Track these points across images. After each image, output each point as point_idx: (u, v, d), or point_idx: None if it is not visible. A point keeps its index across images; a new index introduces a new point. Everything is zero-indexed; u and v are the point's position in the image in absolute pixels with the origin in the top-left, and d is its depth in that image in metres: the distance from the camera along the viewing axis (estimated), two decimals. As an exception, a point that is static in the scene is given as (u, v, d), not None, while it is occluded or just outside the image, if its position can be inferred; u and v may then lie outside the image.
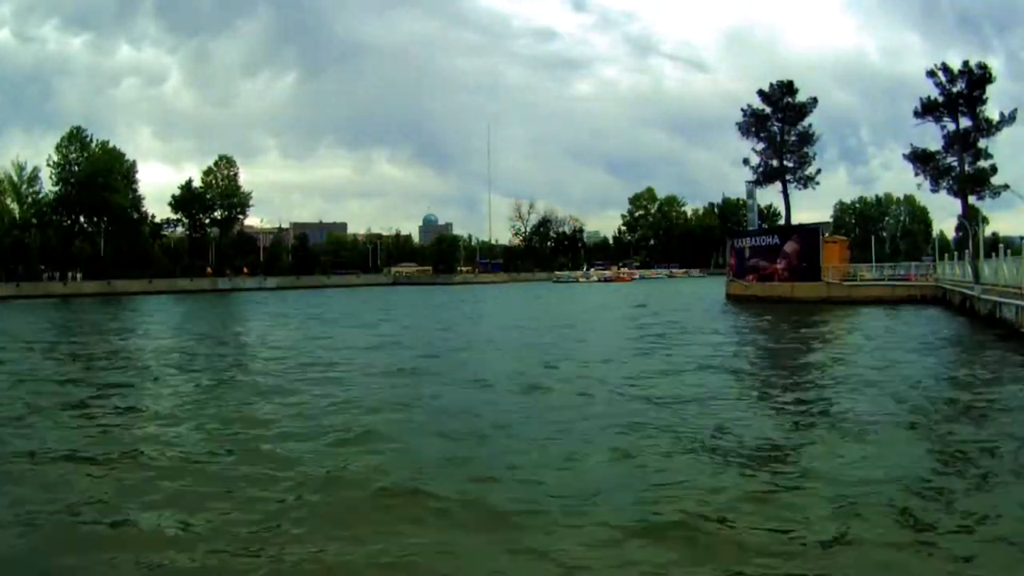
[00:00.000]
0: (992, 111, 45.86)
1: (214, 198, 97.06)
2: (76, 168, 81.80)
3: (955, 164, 46.81)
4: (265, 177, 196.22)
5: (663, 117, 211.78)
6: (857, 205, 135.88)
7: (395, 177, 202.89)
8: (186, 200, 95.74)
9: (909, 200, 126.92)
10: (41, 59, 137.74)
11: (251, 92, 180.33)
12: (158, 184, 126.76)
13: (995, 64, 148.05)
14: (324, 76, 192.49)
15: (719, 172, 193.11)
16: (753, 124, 53.51)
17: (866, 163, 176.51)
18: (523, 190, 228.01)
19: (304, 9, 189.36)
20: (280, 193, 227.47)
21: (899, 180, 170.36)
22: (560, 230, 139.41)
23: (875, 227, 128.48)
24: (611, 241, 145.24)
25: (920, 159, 48.34)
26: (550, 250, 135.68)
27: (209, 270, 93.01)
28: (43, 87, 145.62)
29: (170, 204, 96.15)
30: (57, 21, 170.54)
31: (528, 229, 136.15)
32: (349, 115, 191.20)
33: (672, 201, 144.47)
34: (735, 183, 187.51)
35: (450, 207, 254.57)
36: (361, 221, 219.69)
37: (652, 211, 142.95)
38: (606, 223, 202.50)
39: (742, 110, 54.18)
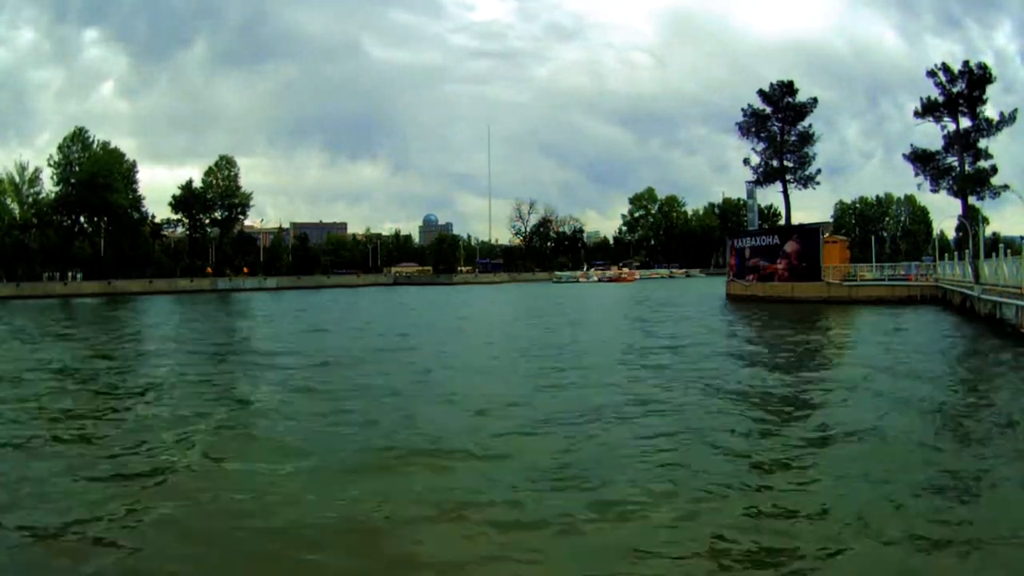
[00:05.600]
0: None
1: (214, 198, 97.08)
2: (77, 168, 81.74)
3: (955, 164, 46.88)
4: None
5: (627, 112, 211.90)
6: (857, 205, 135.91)
7: (370, 177, 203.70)
8: (186, 200, 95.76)
9: (909, 200, 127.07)
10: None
11: (211, 94, 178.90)
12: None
13: (961, 46, 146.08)
14: (271, 73, 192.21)
15: (686, 165, 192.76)
16: (753, 124, 53.61)
17: (846, 160, 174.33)
18: (495, 188, 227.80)
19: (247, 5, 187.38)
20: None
21: (878, 174, 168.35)
22: (560, 230, 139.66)
23: (875, 227, 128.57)
24: (611, 241, 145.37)
25: (920, 159, 48.41)
26: (550, 250, 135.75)
27: (209, 270, 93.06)
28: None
29: (170, 204, 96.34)
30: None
31: (528, 229, 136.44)
32: (294, 114, 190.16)
33: (672, 201, 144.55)
34: (699, 174, 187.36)
35: (417, 205, 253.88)
36: (357, 223, 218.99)
37: (652, 211, 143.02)
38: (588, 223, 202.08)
39: (742, 110, 54.39)
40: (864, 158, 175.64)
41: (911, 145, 49.52)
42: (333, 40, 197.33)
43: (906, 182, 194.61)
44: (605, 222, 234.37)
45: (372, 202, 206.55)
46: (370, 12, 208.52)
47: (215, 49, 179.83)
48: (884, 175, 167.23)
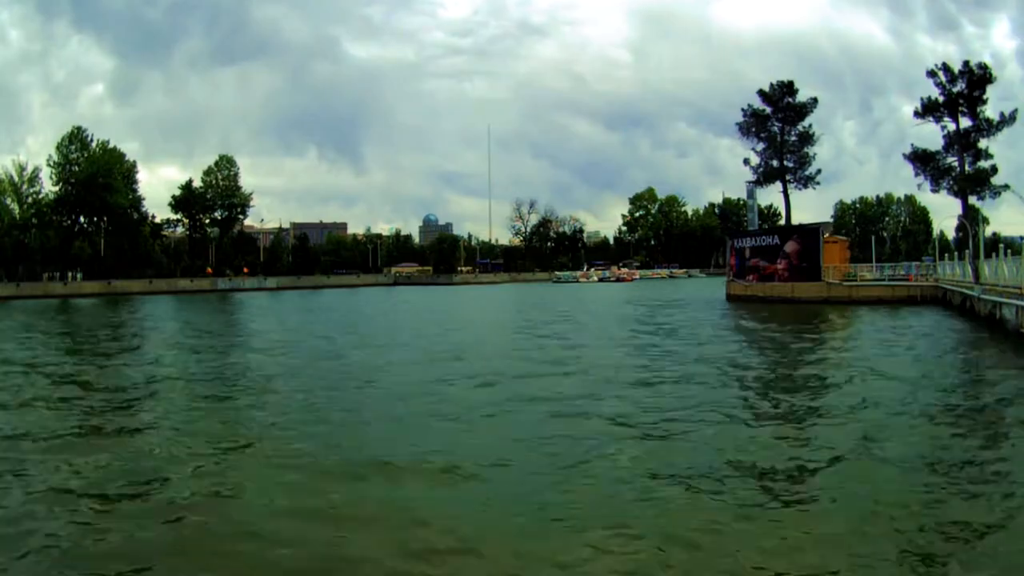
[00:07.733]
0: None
1: (214, 198, 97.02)
2: (76, 168, 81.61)
3: (955, 164, 46.76)
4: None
5: (610, 111, 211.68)
6: (857, 205, 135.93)
7: (361, 179, 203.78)
8: (186, 200, 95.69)
9: (909, 200, 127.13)
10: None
11: (200, 96, 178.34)
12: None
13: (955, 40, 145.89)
14: (256, 73, 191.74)
15: (676, 165, 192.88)
16: (753, 124, 53.54)
17: (839, 160, 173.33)
18: (483, 189, 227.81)
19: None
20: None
21: (873, 173, 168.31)
22: (560, 230, 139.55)
23: (875, 227, 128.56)
24: (611, 241, 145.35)
25: (920, 159, 48.29)
26: (550, 250, 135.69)
27: (209, 270, 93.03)
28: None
29: (170, 204, 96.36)
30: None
31: (528, 229, 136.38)
32: (273, 113, 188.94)
33: (672, 201, 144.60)
34: (682, 170, 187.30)
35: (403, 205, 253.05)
36: (355, 223, 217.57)
37: (652, 211, 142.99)
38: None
39: (742, 110, 54.30)
40: (855, 158, 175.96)
41: (911, 145, 49.42)
42: (313, 38, 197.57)
43: (897, 182, 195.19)
44: (599, 223, 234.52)
45: (366, 203, 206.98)
46: (344, 9, 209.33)
47: (197, 51, 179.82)
48: (878, 175, 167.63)
